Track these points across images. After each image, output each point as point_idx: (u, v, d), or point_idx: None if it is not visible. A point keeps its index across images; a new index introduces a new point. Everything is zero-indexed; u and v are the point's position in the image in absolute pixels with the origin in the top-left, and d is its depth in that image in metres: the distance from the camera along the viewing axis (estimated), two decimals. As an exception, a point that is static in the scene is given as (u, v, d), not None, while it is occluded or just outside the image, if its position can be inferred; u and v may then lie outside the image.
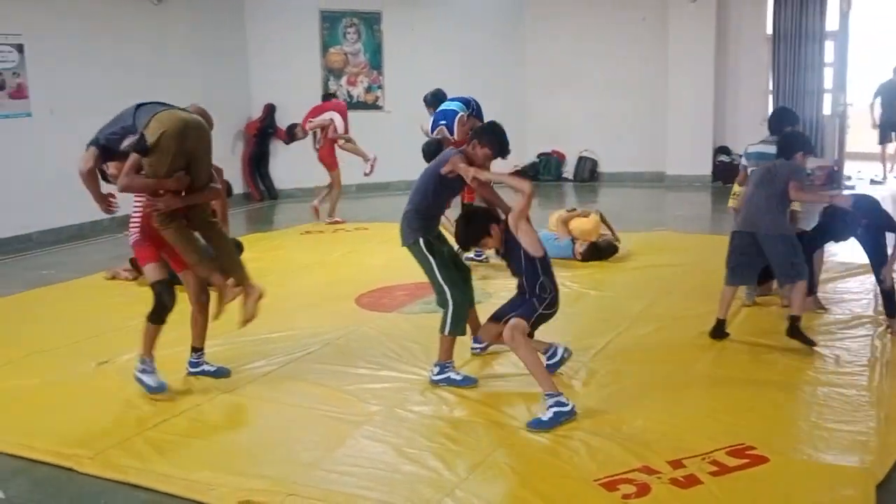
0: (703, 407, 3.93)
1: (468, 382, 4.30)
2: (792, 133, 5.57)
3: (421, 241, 4.37)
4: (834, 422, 3.73)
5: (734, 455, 3.39)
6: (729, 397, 4.03)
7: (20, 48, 8.91)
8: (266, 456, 3.58)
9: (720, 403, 3.98)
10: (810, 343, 4.68)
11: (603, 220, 7.54)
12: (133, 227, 4.35)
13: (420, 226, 4.40)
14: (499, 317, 4.14)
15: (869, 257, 5.09)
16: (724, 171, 12.59)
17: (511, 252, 4.15)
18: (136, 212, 4.33)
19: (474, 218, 4.32)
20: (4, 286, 6.95)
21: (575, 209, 7.86)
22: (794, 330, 4.67)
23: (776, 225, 4.81)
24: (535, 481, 3.24)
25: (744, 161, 5.98)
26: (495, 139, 4.43)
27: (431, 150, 6.63)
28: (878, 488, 3.11)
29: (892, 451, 3.40)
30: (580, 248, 7.29)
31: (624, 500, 3.08)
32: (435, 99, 8.38)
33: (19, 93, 8.93)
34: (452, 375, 4.31)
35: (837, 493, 3.07)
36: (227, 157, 11.98)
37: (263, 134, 12.37)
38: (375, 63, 13.09)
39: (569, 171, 14.05)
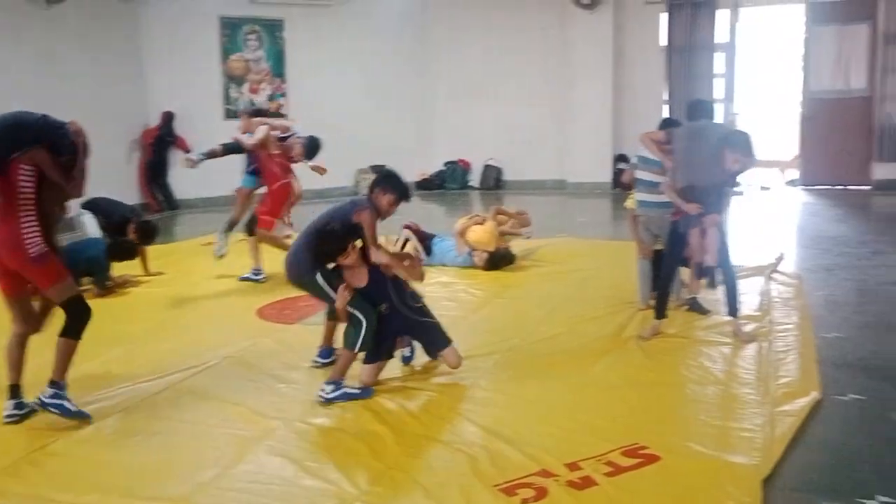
0: (600, 409, 4.02)
1: (367, 394, 4.27)
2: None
3: (319, 274, 4.40)
4: (722, 419, 3.88)
5: (628, 455, 3.48)
6: (624, 398, 4.14)
7: None
8: (161, 476, 3.46)
9: (616, 404, 4.08)
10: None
11: (502, 212, 7.62)
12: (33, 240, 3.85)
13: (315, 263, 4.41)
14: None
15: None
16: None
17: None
18: (31, 223, 3.85)
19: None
20: None
21: (476, 215, 7.92)
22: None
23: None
24: (436, 490, 3.24)
25: (635, 162, 6.18)
26: (397, 186, 4.58)
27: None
28: (764, 483, 3.24)
29: (776, 448, 3.55)
30: (479, 261, 7.36)
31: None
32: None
33: None
34: (349, 390, 4.27)
35: (726, 490, 3.18)
36: (122, 167, 11.65)
37: (161, 142, 12.04)
38: (278, 71, 12.95)
39: (475, 179, 14.23)
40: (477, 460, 3.47)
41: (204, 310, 6.25)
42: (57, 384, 3.95)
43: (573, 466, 3.38)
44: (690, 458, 3.47)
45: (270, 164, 7.11)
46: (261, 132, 7.07)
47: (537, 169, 13.81)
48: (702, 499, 3.16)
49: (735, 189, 12.12)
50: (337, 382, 4.26)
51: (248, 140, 7.20)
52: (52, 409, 3.93)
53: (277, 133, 7.39)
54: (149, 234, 7.54)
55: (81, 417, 3.99)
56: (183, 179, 12.12)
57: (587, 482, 3.26)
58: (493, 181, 14.01)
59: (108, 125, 10.78)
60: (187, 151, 12.15)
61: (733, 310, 5.10)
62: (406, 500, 3.20)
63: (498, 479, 3.30)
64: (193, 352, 5.11)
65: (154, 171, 12.09)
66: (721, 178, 5.07)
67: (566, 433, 3.73)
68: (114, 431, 3.98)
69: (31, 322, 4.09)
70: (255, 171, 7.55)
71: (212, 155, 7.30)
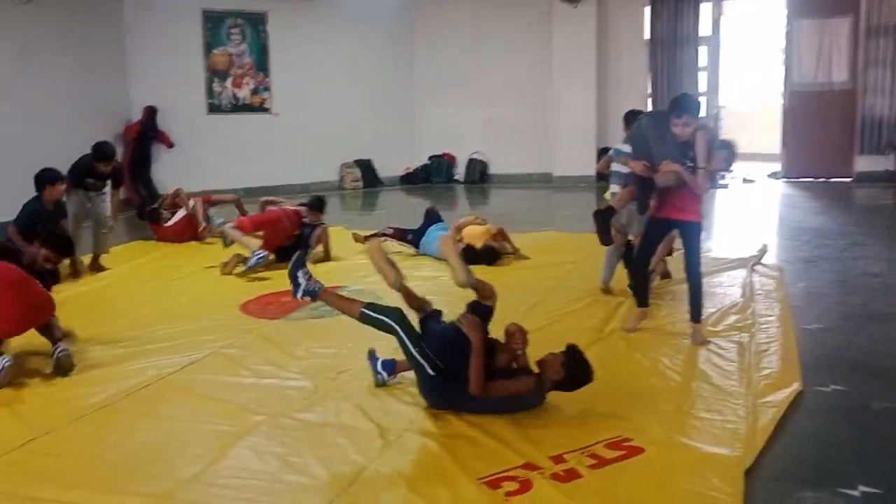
0: (584, 401, 4.02)
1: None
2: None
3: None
4: (705, 411, 3.90)
5: (612, 447, 3.49)
6: (609, 390, 4.13)
7: None
8: (143, 473, 3.44)
9: (601, 397, 4.06)
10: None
11: (503, 235, 7.63)
12: None
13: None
14: None
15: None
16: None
17: None
18: None
19: None
20: None
21: (478, 218, 7.98)
22: None
23: None
24: (420, 484, 3.25)
25: (611, 153, 6.23)
26: None
27: None
28: (747, 474, 3.26)
29: (759, 439, 3.57)
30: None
31: (507, 497, 3.12)
32: None
33: None
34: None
35: (708, 480, 3.20)
36: (106, 162, 11.50)
37: (144, 137, 11.96)
38: (261, 65, 12.89)
39: (460, 173, 14.23)
40: (461, 453, 3.47)
41: (187, 306, 6.21)
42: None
43: (557, 459, 3.39)
44: (674, 450, 3.49)
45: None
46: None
47: (523, 162, 13.83)
48: (685, 489, 3.17)
49: (719, 183, 12.30)
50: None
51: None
52: None
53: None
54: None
55: None
56: (165, 174, 12.05)
57: (571, 474, 3.26)
58: (479, 175, 14.01)
59: (91, 121, 10.71)
60: (170, 146, 12.12)
61: (697, 315, 4.97)
62: (390, 493, 3.19)
63: (482, 471, 3.30)
64: (176, 347, 5.09)
65: (137, 167, 11.99)
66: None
67: (550, 426, 3.74)
68: (96, 428, 3.94)
69: None
70: None
71: None
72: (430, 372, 3.87)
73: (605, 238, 5.19)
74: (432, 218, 7.97)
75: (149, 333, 5.42)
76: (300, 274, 4.21)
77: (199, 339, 5.27)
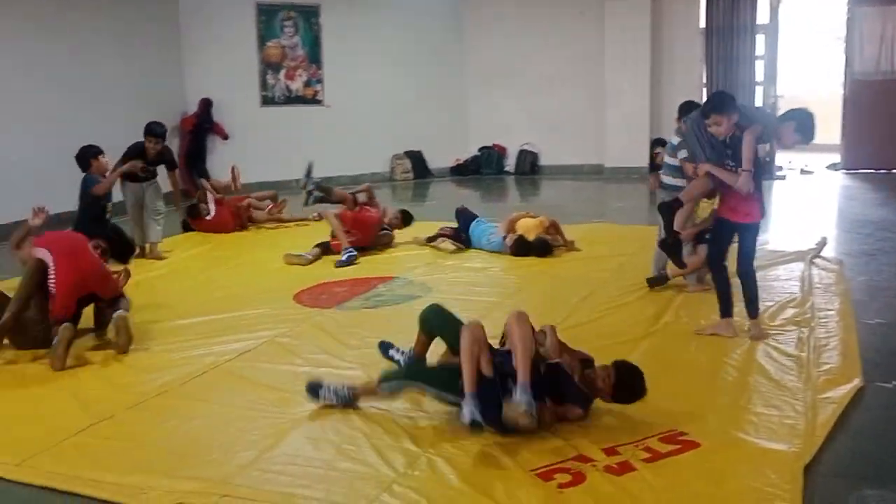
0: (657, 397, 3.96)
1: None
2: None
3: None
4: (763, 406, 3.82)
5: (666, 441, 3.45)
6: (663, 384, 4.06)
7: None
8: (200, 458, 3.51)
9: (655, 390, 3.98)
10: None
11: (556, 227, 7.58)
12: None
13: None
14: None
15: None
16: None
17: None
18: None
19: None
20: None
21: (529, 213, 7.95)
22: None
23: None
24: (472, 474, 3.25)
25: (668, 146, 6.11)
26: None
27: None
28: (806, 470, 3.19)
29: (818, 435, 3.49)
30: (509, 241, 7.36)
31: (559, 489, 3.10)
32: None
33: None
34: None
35: (766, 476, 3.14)
36: (163, 154, 11.73)
37: (199, 129, 12.15)
38: (314, 57, 12.98)
39: (510, 164, 14.17)
40: (513, 445, 3.46)
41: (242, 295, 6.30)
42: None
43: (611, 451, 3.36)
44: (730, 445, 3.43)
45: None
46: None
47: (574, 154, 13.72)
48: (742, 485, 3.12)
49: (777, 174, 12.05)
50: None
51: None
52: None
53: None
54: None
55: None
56: (219, 166, 12.23)
57: (625, 467, 3.24)
58: (529, 166, 13.93)
59: (148, 113, 10.79)
60: (225, 138, 12.31)
61: (754, 310, 4.85)
62: (442, 483, 3.20)
63: (534, 463, 3.29)
64: (232, 335, 5.18)
65: (193, 158, 12.20)
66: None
67: (603, 418, 3.71)
68: (154, 413, 4.04)
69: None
70: None
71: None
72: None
73: (668, 234, 4.99)
74: (467, 215, 7.98)
75: (204, 322, 5.52)
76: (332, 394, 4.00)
77: (254, 327, 5.35)
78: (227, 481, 3.24)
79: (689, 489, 3.10)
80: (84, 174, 7.09)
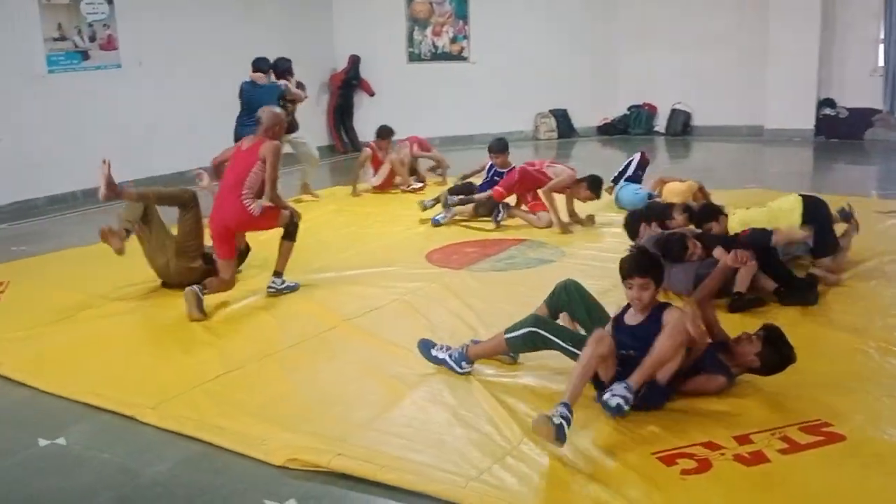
0: (778, 380, 3.66)
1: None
2: None
3: None
4: (922, 399, 3.45)
5: (808, 431, 3.17)
6: (808, 369, 3.72)
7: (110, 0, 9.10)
8: (321, 413, 3.56)
9: (798, 374, 3.67)
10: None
11: (702, 191, 7.19)
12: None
13: None
14: None
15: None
16: (829, 125, 11.92)
17: None
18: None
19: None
20: (93, 235, 7.16)
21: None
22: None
23: None
24: (589, 450, 3.11)
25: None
26: None
27: None
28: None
29: None
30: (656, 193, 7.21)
31: (682, 475, 2.91)
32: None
33: (109, 44, 9.15)
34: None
35: (920, 479, 2.83)
36: (312, 110, 12.05)
37: (347, 86, 12.37)
38: (461, 13, 12.86)
39: (660, 124, 13.56)
40: (637, 423, 3.29)
41: (376, 252, 6.36)
42: (279, 274, 5.28)
43: (743, 439, 3.12)
44: (880, 441, 3.11)
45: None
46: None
47: (730, 114, 12.90)
48: (890, 485, 2.82)
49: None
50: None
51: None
52: (284, 291, 5.27)
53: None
54: None
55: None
56: (367, 123, 12.42)
57: (757, 458, 2.99)
58: (681, 126, 13.27)
59: (299, 69, 11.14)
60: (371, 94, 12.46)
61: None
62: (556, 458, 3.07)
63: (658, 445, 3.11)
64: (362, 292, 5.24)
65: (340, 114, 12.46)
66: None
67: (737, 402, 3.45)
68: (282, 366, 4.14)
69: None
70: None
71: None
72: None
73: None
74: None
75: (337, 277, 5.61)
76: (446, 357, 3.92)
77: (384, 284, 5.38)
78: (342, 439, 3.26)
79: (828, 486, 2.83)
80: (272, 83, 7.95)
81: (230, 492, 2.99)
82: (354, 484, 2.99)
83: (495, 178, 7.50)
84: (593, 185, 6.94)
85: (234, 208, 5.05)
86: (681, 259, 4.88)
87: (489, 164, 7.74)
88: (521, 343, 3.73)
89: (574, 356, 3.47)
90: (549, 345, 3.65)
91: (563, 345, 3.60)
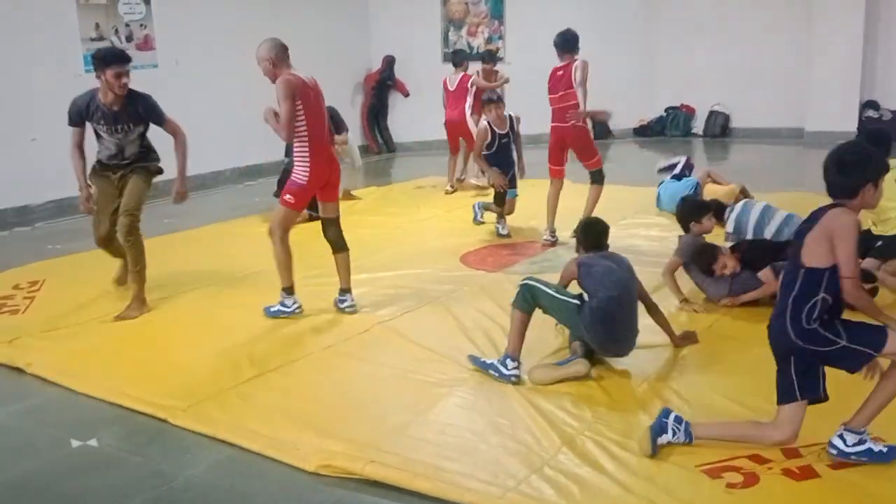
0: (833, 386, 3.51)
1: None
2: None
3: None
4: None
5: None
6: (853, 381, 3.57)
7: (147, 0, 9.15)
8: (355, 417, 3.50)
9: (848, 384, 3.52)
10: None
11: (744, 193, 7.00)
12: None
13: None
14: None
15: None
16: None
17: None
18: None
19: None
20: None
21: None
22: None
23: None
24: (629, 463, 3.00)
25: None
26: None
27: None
28: None
29: None
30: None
31: (728, 489, 2.80)
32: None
33: (146, 44, 9.20)
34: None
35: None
36: (346, 109, 12.01)
37: (382, 86, 12.32)
38: (497, 13, 12.76)
39: (698, 126, 13.34)
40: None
41: (410, 253, 6.29)
42: (349, 290, 4.95)
43: (792, 453, 3.00)
44: (937, 457, 2.96)
45: None
46: None
47: (770, 115, 12.64)
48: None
49: None
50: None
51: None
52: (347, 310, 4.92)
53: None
54: None
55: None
56: (401, 124, 12.39)
57: (807, 473, 2.88)
58: (720, 128, 13.04)
59: (335, 69, 11.19)
60: (406, 95, 12.40)
61: None
62: (597, 469, 2.97)
63: (703, 458, 3.00)
64: (396, 295, 5.16)
65: (374, 114, 12.42)
66: None
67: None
68: (318, 368, 4.09)
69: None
70: None
71: None
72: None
73: None
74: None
75: (373, 279, 5.55)
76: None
77: (419, 286, 5.32)
78: (376, 446, 3.19)
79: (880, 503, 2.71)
80: None
81: (266, 499, 2.94)
82: (387, 492, 2.93)
83: (502, 140, 7.31)
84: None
85: None
86: (707, 273, 4.82)
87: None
88: (522, 299, 3.84)
89: (562, 303, 3.80)
90: (546, 296, 3.83)
91: (549, 291, 3.83)
